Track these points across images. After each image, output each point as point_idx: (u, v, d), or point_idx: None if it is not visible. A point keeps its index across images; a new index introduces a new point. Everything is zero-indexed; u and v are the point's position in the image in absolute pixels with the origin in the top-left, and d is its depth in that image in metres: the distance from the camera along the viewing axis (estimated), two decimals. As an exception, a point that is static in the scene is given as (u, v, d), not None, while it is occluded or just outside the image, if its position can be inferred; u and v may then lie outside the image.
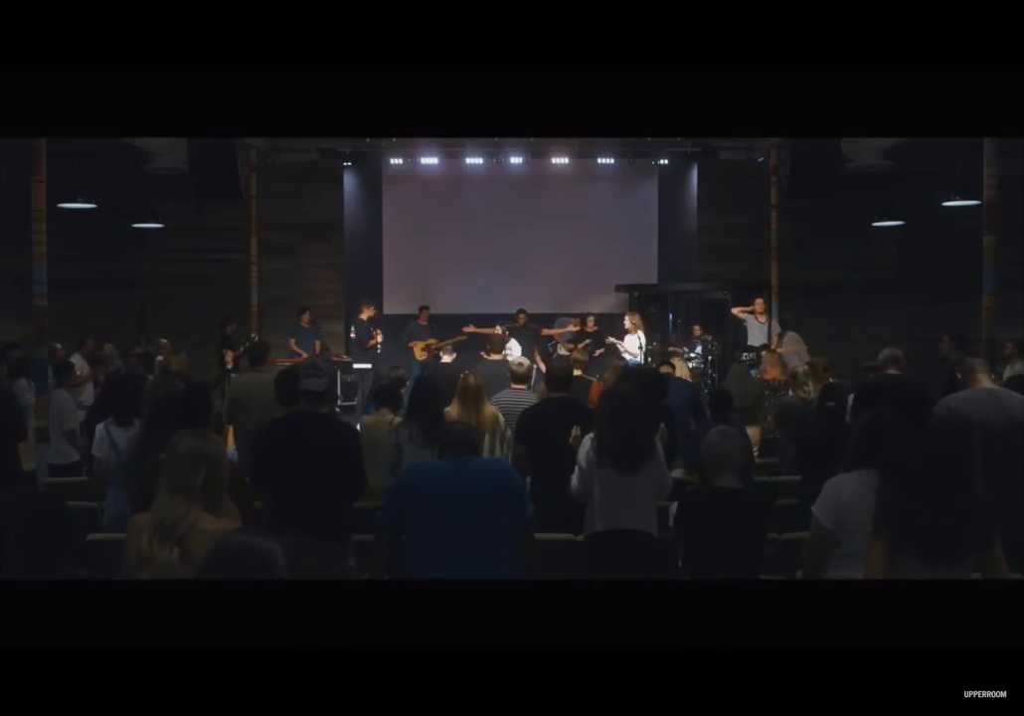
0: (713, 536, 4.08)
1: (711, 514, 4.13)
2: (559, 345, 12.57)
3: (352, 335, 13.05)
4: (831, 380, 7.43)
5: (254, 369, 7.18)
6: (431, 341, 12.72)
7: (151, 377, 7.29)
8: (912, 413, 5.19)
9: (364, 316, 12.74)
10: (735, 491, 4.19)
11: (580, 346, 11.18)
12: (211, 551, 2.55)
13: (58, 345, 9.96)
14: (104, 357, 10.38)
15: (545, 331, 12.87)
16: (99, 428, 5.30)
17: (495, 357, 8.35)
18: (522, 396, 6.35)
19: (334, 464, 4.48)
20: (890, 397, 5.59)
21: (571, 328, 12.80)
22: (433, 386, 5.59)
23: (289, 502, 4.42)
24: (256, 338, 12.48)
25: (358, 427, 5.57)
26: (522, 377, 6.45)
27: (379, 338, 12.41)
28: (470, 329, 12.55)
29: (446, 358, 11.69)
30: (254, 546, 2.52)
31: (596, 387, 6.63)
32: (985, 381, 5.37)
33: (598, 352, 11.93)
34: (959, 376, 5.82)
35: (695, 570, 4.17)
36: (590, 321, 12.80)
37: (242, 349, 12.25)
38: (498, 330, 11.88)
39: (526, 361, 6.74)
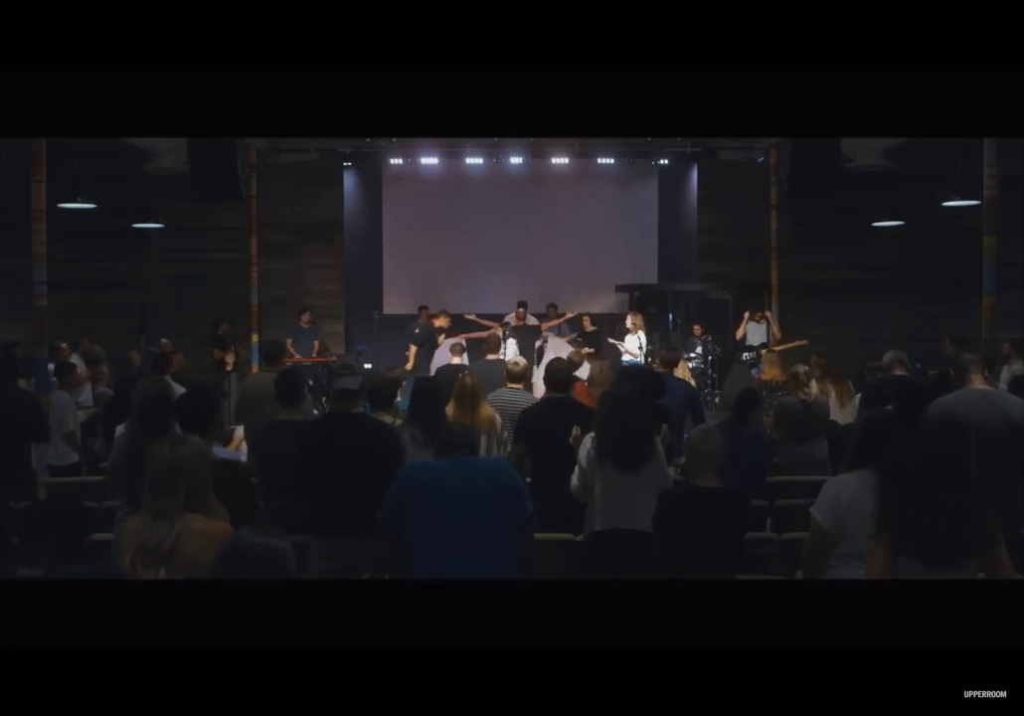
0: (692, 535, 4.07)
1: (691, 513, 4.12)
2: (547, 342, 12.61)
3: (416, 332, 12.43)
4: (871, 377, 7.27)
5: (270, 368, 7.17)
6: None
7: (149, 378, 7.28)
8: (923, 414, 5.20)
9: (437, 324, 12.31)
10: (715, 490, 4.19)
11: (577, 347, 11.20)
12: (222, 552, 2.56)
13: (63, 344, 9.94)
14: (93, 356, 10.33)
15: (546, 327, 12.93)
16: (119, 429, 5.28)
17: (492, 357, 8.37)
18: (518, 395, 6.34)
19: (374, 463, 4.46)
20: (902, 398, 5.55)
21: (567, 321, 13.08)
22: (434, 386, 5.57)
23: (332, 503, 4.41)
24: (257, 338, 12.48)
25: None
26: (518, 376, 6.44)
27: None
28: (471, 317, 12.62)
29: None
30: (265, 545, 2.53)
31: (581, 387, 6.64)
32: (979, 382, 5.29)
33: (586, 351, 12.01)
34: (951, 374, 5.78)
35: (674, 569, 4.15)
36: (586, 321, 12.94)
37: (232, 348, 12.25)
38: (497, 330, 11.90)
39: (522, 360, 6.73)
